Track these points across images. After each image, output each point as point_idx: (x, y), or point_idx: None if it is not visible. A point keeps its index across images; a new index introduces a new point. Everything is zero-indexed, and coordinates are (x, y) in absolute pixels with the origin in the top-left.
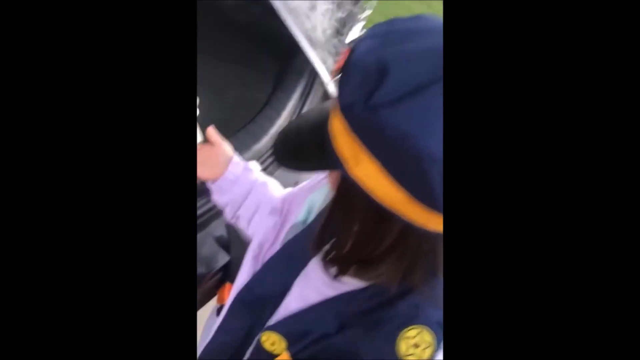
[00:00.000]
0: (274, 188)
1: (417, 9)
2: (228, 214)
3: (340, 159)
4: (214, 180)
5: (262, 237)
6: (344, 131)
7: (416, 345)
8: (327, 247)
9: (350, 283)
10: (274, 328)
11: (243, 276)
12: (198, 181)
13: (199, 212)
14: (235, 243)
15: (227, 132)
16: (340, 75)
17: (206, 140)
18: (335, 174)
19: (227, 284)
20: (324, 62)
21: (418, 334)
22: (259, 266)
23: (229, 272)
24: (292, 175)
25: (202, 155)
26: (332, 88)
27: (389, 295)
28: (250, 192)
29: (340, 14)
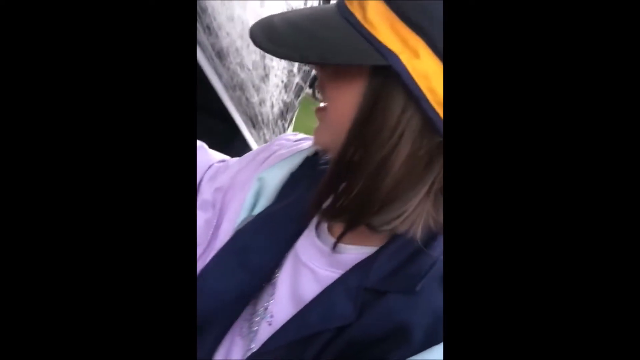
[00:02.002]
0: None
1: None
2: None
3: (388, 49)
4: None
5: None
6: (389, 18)
7: None
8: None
9: (358, 251)
10: (265, 354)
11: None
12: None
13: None
14: None
15: None
16: None
17: None
18: (360, 74)
19: None
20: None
21: None
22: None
23: None
24: None
25: None
26: None
27: (416, 245)
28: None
29: (285, 97)
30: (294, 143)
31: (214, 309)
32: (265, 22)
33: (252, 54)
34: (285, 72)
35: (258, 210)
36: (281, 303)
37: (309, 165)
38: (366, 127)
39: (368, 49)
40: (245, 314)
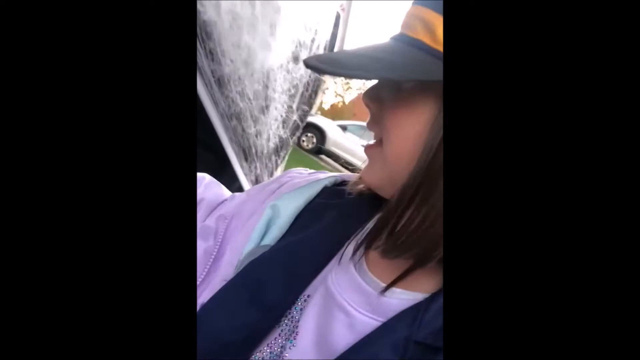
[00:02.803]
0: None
1: None
2: None
3: None
4: None
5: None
6: None
7: None
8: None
9: (406, 297)
10: None
11: None
12: None
13: None
14: None
15: None
16: None
17: None
18: (426, 101)
19: None
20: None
21: None
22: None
23: None
24: None
25: None
26: None
27: None
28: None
29: (282, 133)
30: (308, 175)
31: (216, 351)
32: (319, 55)
33: (254, 84)
34: (285, 107)
35: (268, 241)
36: (304, 351)
37: (332, 195)
38: (435, 159)
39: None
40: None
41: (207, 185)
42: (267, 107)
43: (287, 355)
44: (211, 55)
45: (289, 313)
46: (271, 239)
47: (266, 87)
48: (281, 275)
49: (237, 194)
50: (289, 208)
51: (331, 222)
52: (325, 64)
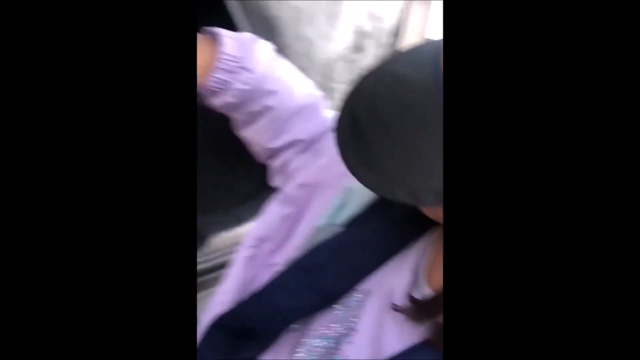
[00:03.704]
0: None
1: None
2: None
3: None
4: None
5: (264, 229)
6: None
7: None
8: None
9: None
10: None
11: (230, 283)
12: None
13: (202, 266)
14: None
15: None
16: None
17: None
18: None
19: None
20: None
21: None
22: (253, 272)
23: None
24: None
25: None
26: None
27: None
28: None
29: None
30: None
31: (277, 328)
32: (349, 118)
33: (316, 75)
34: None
35: (338, 220)
36: (360, 349)
37: None
38: None
39: None
40: (299, 334)
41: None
42: (329, 97)
43: (342, 350)
44: (276, 48)
45: (347, 302)
46: (341, 219)
47: (327, 78)
48: (341, 264)
49: (321, 148)
50: (363, 196)
51: (401, 219)
52: (355, 156)
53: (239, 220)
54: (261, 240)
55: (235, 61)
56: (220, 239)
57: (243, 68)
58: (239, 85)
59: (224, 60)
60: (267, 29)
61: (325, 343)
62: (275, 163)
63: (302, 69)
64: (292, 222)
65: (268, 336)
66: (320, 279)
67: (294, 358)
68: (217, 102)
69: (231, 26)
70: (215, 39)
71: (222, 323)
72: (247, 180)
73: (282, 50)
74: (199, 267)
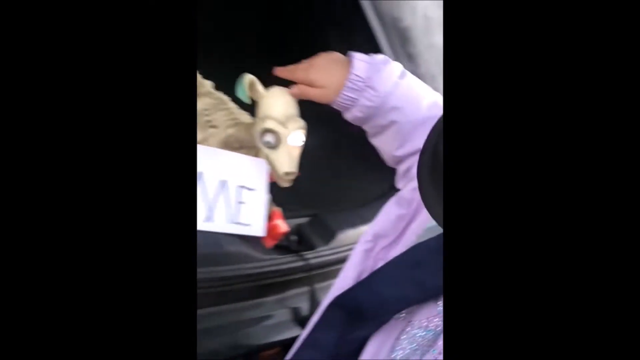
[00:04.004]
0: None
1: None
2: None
3: None
4: (334, 98)
5: (380, 227)
6: None
7: None
8: None
9: None
10: None
11: (348, 273)
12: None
13: (284, 267)
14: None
15: None
16: None
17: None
18: None
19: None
20: None
21: None
22: (369, 264)
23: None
24: None
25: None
26: None
27: None
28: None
29: None
30: None
31: (381, 316)
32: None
33: None
34: None
35: None
36: None
37: None
38: None
39: None
40: (399, 322)
41: None
42: None
43: (439, 343)
44: (409, 57)
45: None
46: None
47: None
48: (437, 262)
49: None
50: None
51: None
52: None
53: (363, 220)
54: (377, 237)
55: (362, 81)
56: (346, 235)
57: (369, 87)
58: (365, 102)
59: (353, 80)
60: (401, 39)
61: (425, 334)
62: (400, 168)
63: (433, 76)
64: (406, 222)
65: (375, 320)
66: (421, 274)
67: (397, 343)
68: (348, 116)
69: (371, 38)
70: (350, 61)
71: (337, 303)
72: (378, 183)
73: (414, 58)
74: (326, 259)
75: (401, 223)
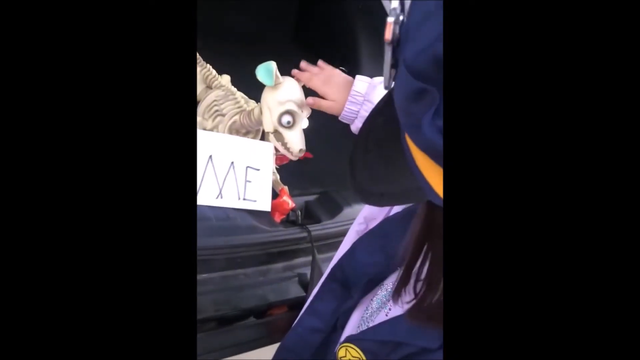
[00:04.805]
0: None
1: None
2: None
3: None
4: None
5: (369, 211)
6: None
7: None
8: (411, 297)
9: None
10: (356, 340)
11: (341, 252)
12: None
13: (288, 238)
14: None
15: None
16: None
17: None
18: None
19: (282, 189)
20: None
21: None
22: None
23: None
24: None
25: (318, 81)
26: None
27: None
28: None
29: None
30: None
31: (359, 278)
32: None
33: None
34: None
35: None
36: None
37: None
38: None
39: None
40: (375, 292)
41: None
42: None
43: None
44: None
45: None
46: None
47: None
48: (402, 232)
49: None
50: None
51: None
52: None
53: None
54: (367, 219)
55: (361, 96)
56: (353, 210)
57: (367, 100)
58: (364, 114)
59: (354, 96)
60: None
61: (385, 294)
62: None
63: None
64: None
65: (357, 287)
66: (388, 243)
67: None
68: (353, 128)
69: None
70: (353, 82)
71: (330, 276)
72: None
73: None
74: (330, 231)
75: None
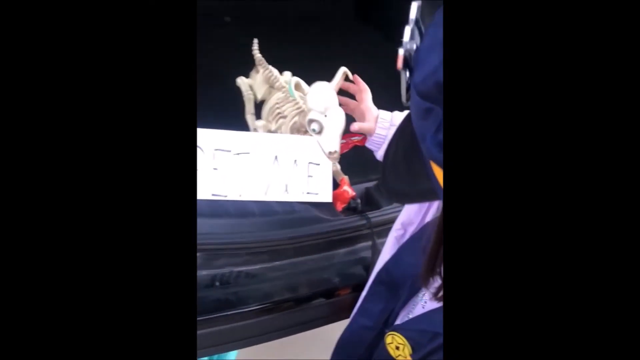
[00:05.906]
0: None
1: None
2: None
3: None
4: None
5: (406, 216)
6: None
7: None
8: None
9: None
10: (400, 329)
11: (384, 256)
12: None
13: (349, 226)
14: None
15: None
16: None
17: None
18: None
19: (342, 179)
20: None
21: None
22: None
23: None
24: None
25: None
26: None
27: None
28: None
29: None
30: None
31: (405, 279)
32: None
33: None
34: None
35: None
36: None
37: None
38: None
39: None
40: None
41: None
42: None
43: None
44: None
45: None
46: None
47: None
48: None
49: None
50: None
51: None
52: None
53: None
54: (405, 225)
55: (387, 121)
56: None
57: (393, 125)
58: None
59: (381, 121)
60: None
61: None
62: None
63: None
64: (425, 210)
65: (404, 289)
66: (427, 246)
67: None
68: (377, 155)
69: None
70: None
71: (377, 279)
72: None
73: None
74: (387, 217)
75: (421, 211)
